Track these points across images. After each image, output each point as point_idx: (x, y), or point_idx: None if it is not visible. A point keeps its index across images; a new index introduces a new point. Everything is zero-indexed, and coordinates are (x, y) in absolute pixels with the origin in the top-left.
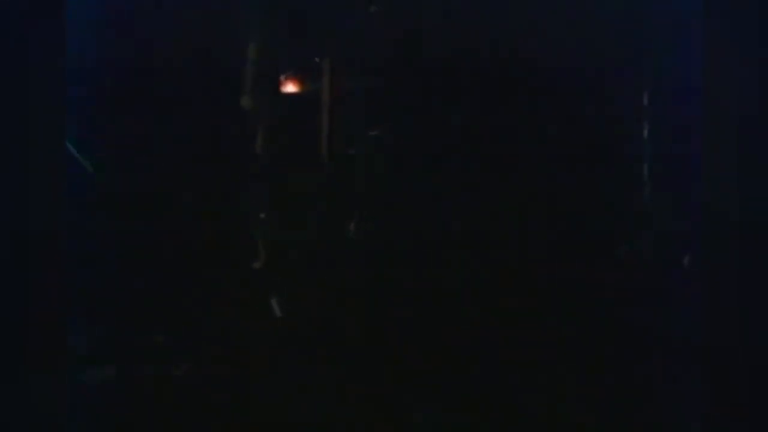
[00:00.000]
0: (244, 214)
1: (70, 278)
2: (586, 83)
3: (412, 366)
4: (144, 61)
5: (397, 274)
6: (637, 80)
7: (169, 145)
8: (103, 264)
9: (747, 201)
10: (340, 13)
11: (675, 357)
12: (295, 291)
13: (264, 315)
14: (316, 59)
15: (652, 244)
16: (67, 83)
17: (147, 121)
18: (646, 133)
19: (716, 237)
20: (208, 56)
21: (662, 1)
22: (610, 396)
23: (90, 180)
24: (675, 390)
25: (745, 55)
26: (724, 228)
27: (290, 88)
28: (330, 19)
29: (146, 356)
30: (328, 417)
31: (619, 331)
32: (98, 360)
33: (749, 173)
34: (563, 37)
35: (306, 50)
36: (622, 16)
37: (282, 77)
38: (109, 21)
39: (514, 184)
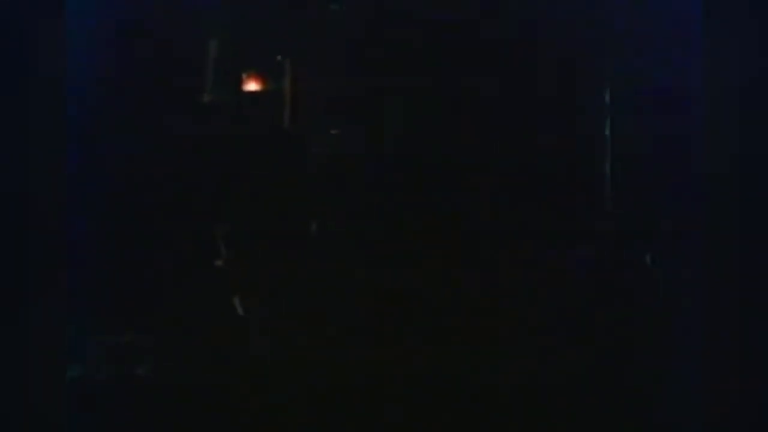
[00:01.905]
0: (205, 213)
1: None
2: (546, 81)
3: (375, 362)
4: (105, 57)
5: (360, 273)
6: (599, 78)
7: (128, 142)
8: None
9: (748, 199)
10: (301, 12)
11: (641, 356)
12: (258, 290)
13: (226, 313)
14: (278, 57)
15: (614, 244)
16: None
17: (103, 118)
18: (608, 131)
19: (717, 237)
20: (169, 53)
21: None
22: (575, 396)
23: None
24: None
25: (745, 51)
26: (725, 227)
27: (252, 86)
28: (291, 17)
29: (108, 355)
30: (292, 415)
31: (582, 330)
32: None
33: (751, 170)
34: (526, 34)
35: (267, 48)
36: (584, 13)
37: (243, 75)
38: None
39: (476, 182)
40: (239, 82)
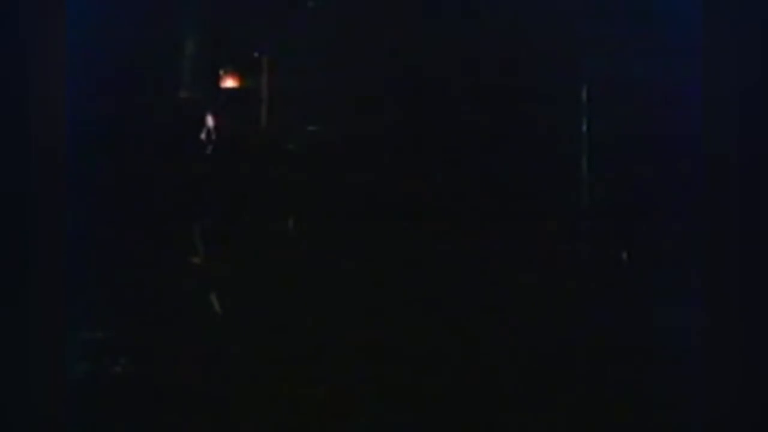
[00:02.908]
0: (182, 210)
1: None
2: (524, 79)
3: (351, 360)
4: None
5: (335, 270)
6: (575, 75)
7: (104, 140)
8: None
9: (748, 198)
10: (278, 9)
11: (621, 354)
12: (235, 287)
13: (203, 310)
14: (255, 54)
15: (591, 241)
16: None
17: (85, 113)
18: (584, 128)
19: (717, 237)
20: (147, 50)
21: None
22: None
23: None
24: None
25: (744, 50)
26: (725, 227)
27: (230, 83)
28: (268, 14)
29: (85, 353)
30: (267, 412)
31: (560, 329)
32: None
33: (750, 170)
34: (504, 32)
35: (245, 45)
36: (561, 11)
37: (221, 72)
38: None
39: (453, 179)
40: (217, 79)
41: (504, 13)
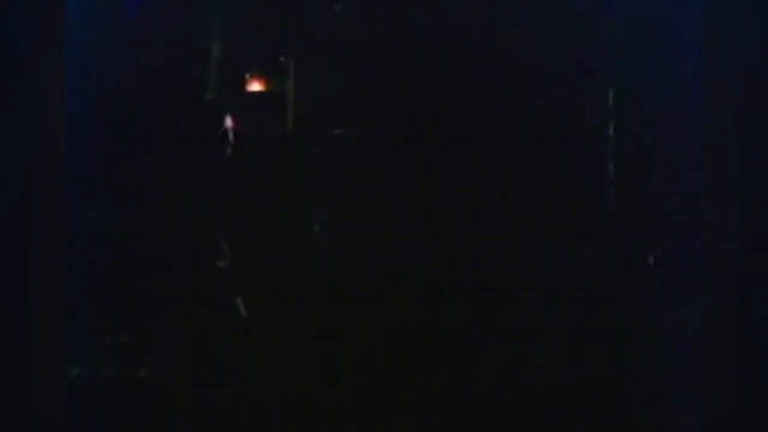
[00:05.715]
0: (208, 213)
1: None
2: (549, 81)
3: (374, 364)
4: (106, 57)
5: (362, 274)
6: (601, 78)
7: (130, 142)
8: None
9: (748, 200)
10: (304, 12)
11: (641, 356)
12: (260, 290)
13: (229, 314)
14: (281, 58)
15: (617, 244)
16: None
17: (107, 117)
18: (611, 131)
19: (717, 239)
20: (172, 53)
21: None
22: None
23: None
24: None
25: (744, 54)
26: (725, 229)
27: (255, 86)
28: (294, 17)
29: (110, 356)
30: (292, 415)
31: (584, 332)
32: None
33: (750, 173)
34: (527, 36)
35: (270, 49)
36: (586, 14)
37: (247, 75)
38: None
39: (478, 183)
40: (242, 83)
41: (530, 18)
